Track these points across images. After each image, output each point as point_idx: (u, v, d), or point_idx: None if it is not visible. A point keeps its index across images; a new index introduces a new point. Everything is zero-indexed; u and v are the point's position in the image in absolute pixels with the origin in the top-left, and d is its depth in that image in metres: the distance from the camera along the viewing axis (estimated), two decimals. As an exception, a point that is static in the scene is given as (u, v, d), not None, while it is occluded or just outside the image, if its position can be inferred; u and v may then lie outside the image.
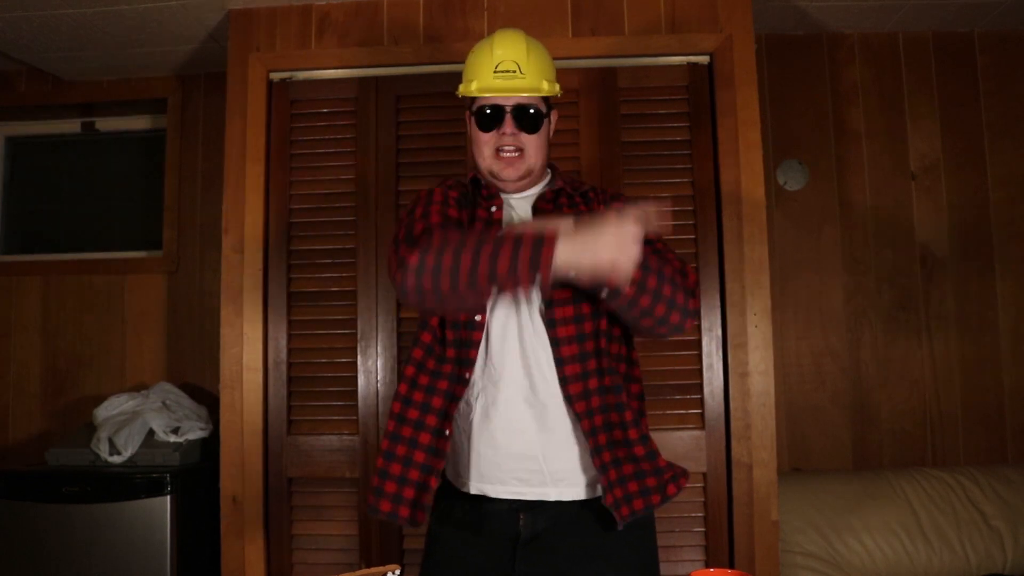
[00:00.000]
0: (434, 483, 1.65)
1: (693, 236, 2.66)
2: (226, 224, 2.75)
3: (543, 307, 1.66)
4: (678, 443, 2.59)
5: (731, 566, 2.51)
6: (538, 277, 1.41)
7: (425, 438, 1.66)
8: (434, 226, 1.62)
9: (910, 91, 3.25)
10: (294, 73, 2.82)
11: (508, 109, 1.72)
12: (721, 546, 2.57)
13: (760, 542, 2.53)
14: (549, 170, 1.90)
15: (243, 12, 2.82)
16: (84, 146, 3.76)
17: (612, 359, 1.68)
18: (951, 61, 3.26)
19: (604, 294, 1.54)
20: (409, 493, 1.65)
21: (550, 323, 1.65)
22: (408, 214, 1.71)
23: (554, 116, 1.84)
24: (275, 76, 2.82)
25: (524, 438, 1.65)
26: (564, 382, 1.63)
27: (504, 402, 1.66)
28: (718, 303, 2.64)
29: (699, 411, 2.62)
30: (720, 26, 2.69)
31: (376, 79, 2.81)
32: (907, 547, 2.78)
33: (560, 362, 1.63)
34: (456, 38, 2.75)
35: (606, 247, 1.41)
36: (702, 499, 2.59)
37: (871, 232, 3.22)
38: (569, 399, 1.63)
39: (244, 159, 2.76)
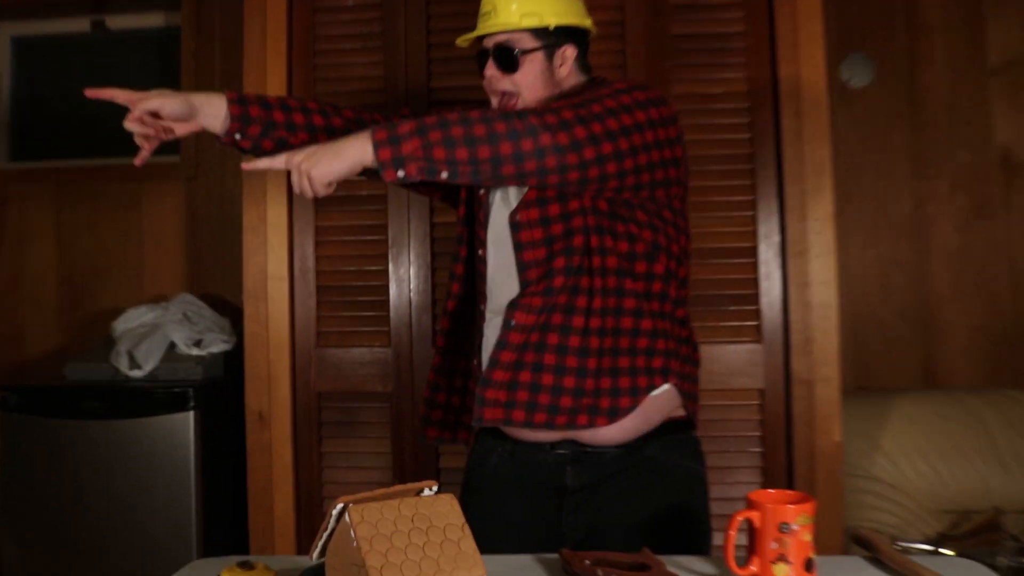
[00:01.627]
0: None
1: (748, 135, 2.51)
2: (246, 124, 2.63)
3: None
4: (733, 357, 2.48)
5: (790, 488, 2.41)
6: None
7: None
8: None
9: (991, -24, 3.07)
10: (316, -39, 2.67)
11: (489, 50, 1.72)
12: (779, 468, 2.48)
13: (821, 464, 2.44)
14: None
15: None
16: (94, 45, 3.64)
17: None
18: (1038, -58, 3.06)
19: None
20: None
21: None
22: None
23: (569, 51, 1.72)
24: (296, -35, 2.67)
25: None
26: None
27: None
28: (776, 208, 2.49)
29: (755, 323, 2.50)
30: (782, -98, 2.49)
31: (405, -35, 2.65)
32: (982, 473, 2.71)
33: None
34: (493, -86, 2.56)
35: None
36: (759, 417, 2.49)
37: (944, 133, 3.09)
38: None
39: (264, 57, 2.65)
